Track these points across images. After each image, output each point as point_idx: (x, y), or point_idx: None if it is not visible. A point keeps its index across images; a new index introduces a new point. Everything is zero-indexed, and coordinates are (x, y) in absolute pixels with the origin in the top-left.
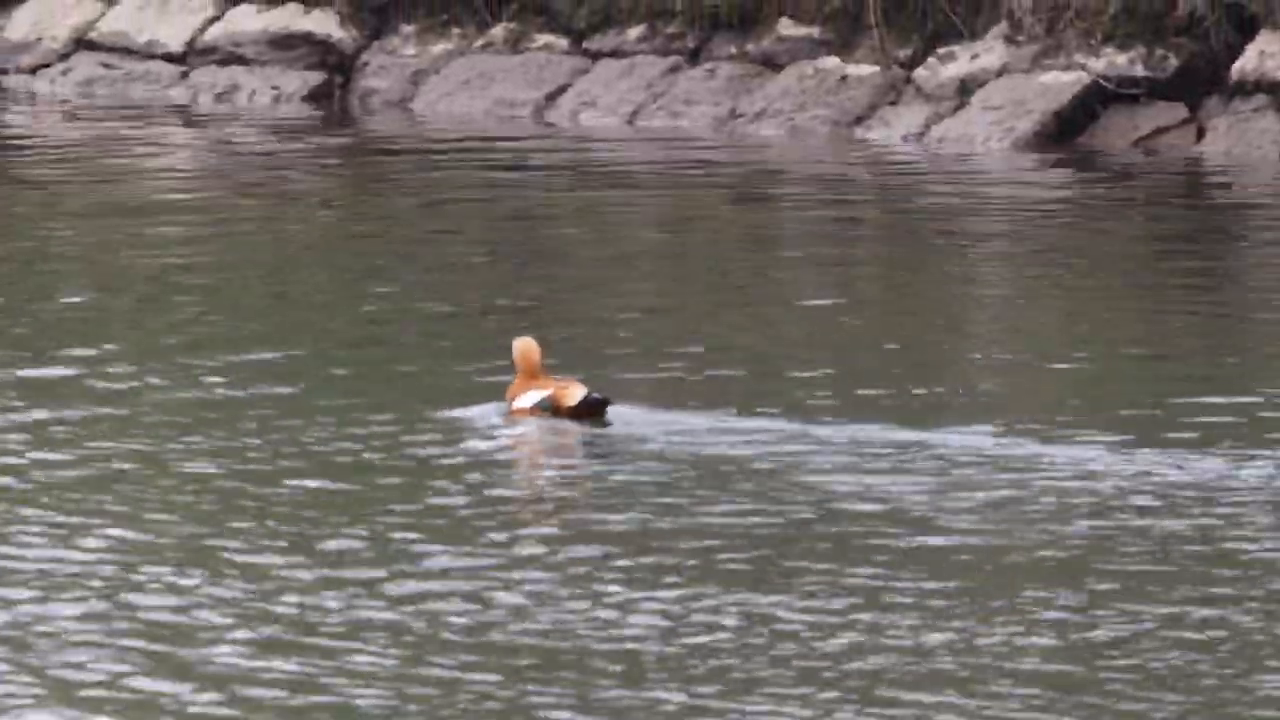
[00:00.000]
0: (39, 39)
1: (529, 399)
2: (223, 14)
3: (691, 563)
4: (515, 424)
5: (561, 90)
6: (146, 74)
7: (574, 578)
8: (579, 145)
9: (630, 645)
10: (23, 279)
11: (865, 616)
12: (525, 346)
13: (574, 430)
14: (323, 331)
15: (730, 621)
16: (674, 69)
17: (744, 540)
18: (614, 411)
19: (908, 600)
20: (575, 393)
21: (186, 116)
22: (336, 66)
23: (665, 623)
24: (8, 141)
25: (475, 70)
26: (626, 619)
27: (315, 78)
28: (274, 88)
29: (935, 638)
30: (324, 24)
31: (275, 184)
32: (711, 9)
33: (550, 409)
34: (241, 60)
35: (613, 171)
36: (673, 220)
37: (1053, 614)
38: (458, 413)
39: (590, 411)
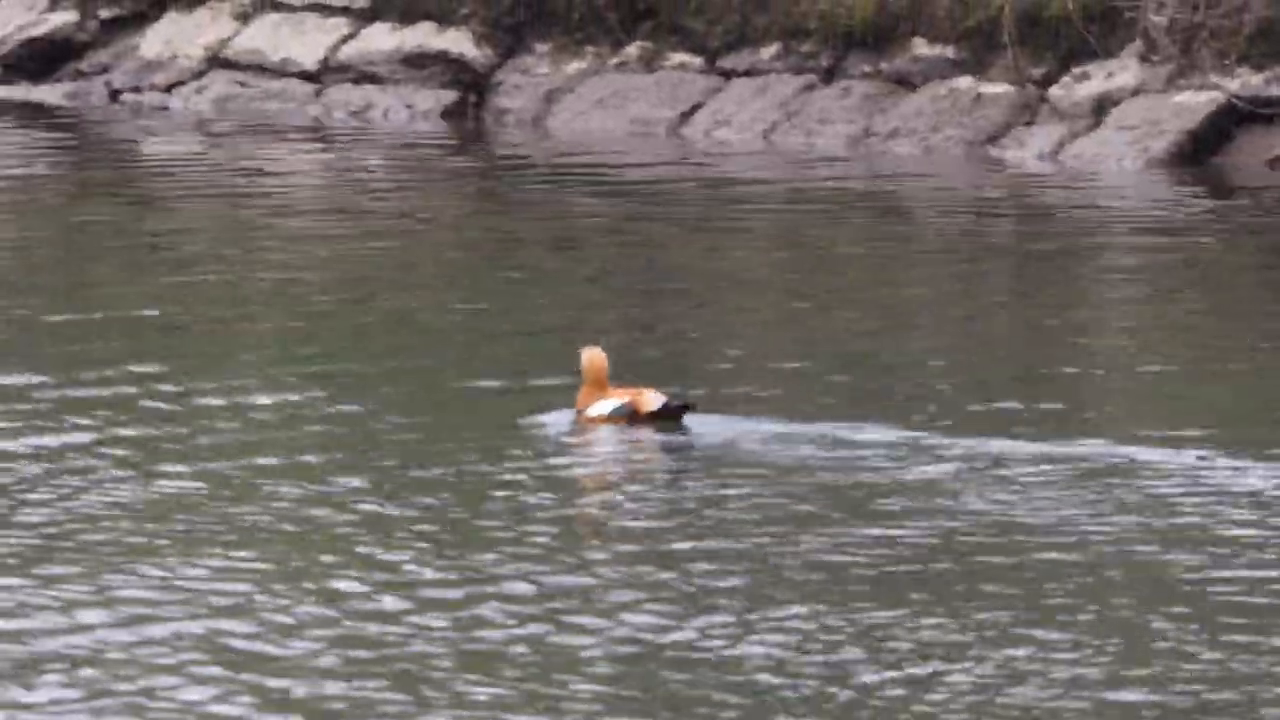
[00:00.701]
0: (173, 56)
1: (604, 406)
2: (357, 32)
3: (805, 583)
4: (592, 433)
5: (696, 109)
6: (281, 92)
7: (683, 601)
8: (711, 164)
9: (750, 675)
10: (150, 294)
11: (993, 641)
12: (594, 356)
13: (663, 442)
14: (430, 344)
15: (854, 650)
16: (808, 88)
17: (858, 559)
18: (728, 425)
19: (1035, 625)
20: (653, 398)
21: (320, 134)
22: (470, 85)
23: (785, 649)
24: (142, 159)
25: (609, 89)
26: (743, 646)
27: (449, 96)
28: (408, 106)
29: (1068, 661)
30: (458, 43)
31: (406, 202)
32: (846, 28)
33: (628, 415)
34: (375, 79)
35: (744, 189)
36: (800, 237)
37: (1190, 641)
38: (529, 422)
39: (670, 417)
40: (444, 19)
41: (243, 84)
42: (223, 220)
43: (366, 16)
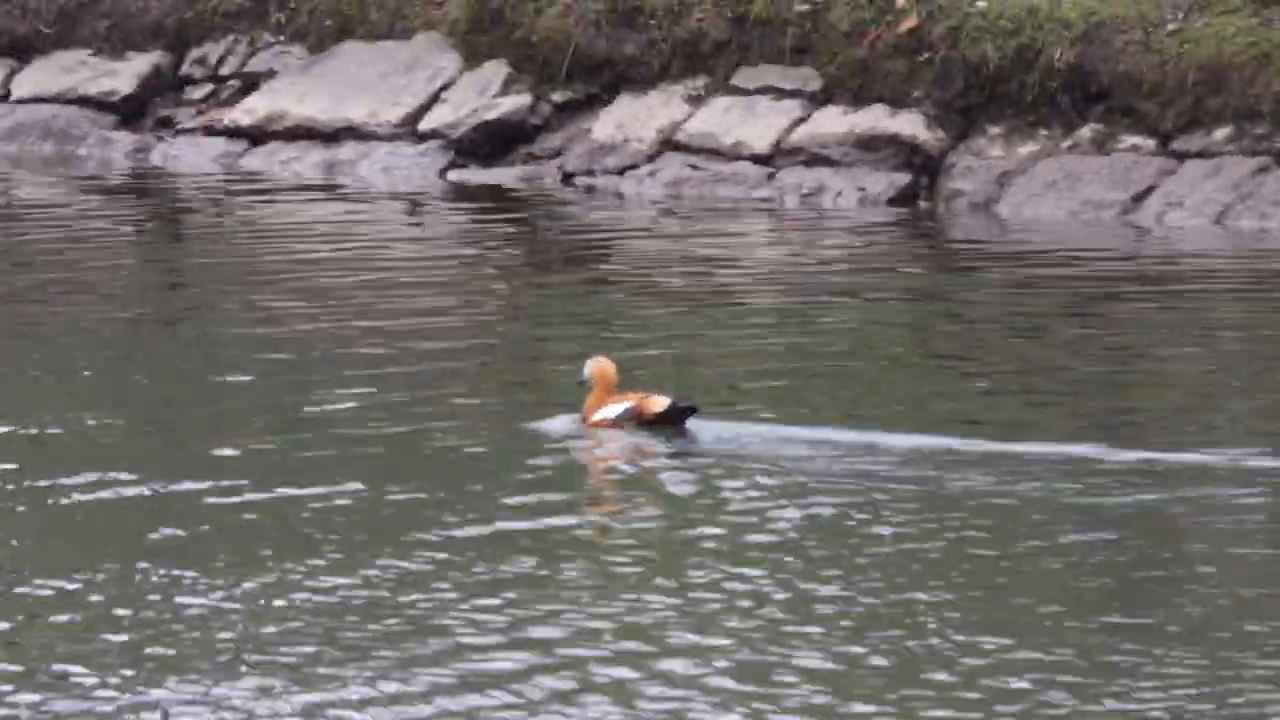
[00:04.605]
0: (625, 140)
1: (610, 411)
2: (809, 115)
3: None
4: (599, 436)
5: (1148, 191)
6: (733, 175)
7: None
8: (1164, 247)
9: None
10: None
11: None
12: (603, 364)
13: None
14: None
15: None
16: (1262, 169)
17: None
18: (732, 427)
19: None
20: (659, 400)
21: (773, 217)
22: (922, 167)
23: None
24: (597, 242)
25: (1062, 171)
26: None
27: (901, 179)
28: (859, 189)
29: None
30: (911, 125)
31: (860, 286)
32: None
33: (633, 419)
34: (827, 161)
35: (1197, 273)
36: (1257, 321)
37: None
38: (534, 428)
39: (676, 418)
40: (896, 102)
41: (695, 167)
42: (678, 302)
43: (819, 100)
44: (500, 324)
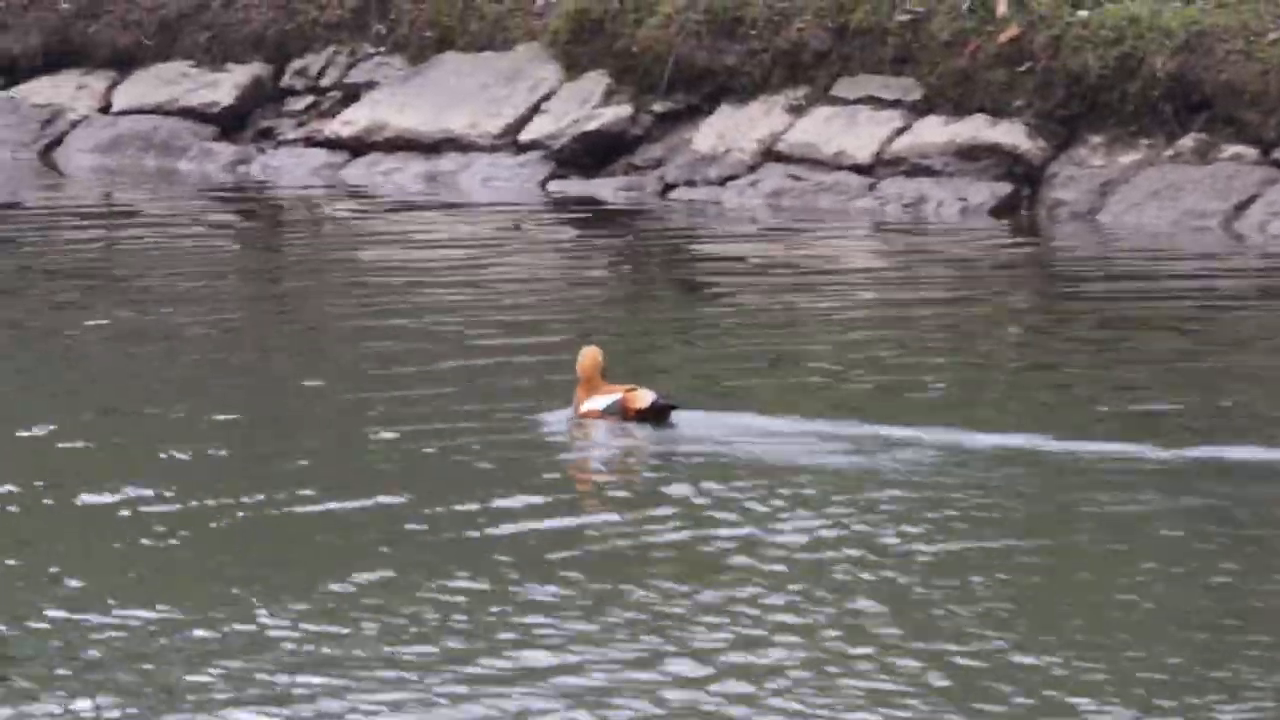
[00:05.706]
0: (726, 151)
1: (598, 403)
2: (910, 125)
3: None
4: (587, 428)
5: (1250, 201)
6: (834, 185)
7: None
8: (1266, 258)
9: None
10: (708, 389)
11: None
12: (587, 354)
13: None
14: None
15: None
16: None
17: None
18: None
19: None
20: (644, 395)
21: (874, 228)
22: (1024, 177)
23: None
24: (695, 252)
25: (1164, 181)
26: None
27: (1002, 189)
28: (961, 199)
29: None
30: (1012, 135)
31: (962, 297)
32: None
33: (618, 412)
34: (929, 171)
35: None
36: None
37: None
38: (531, 420)
39: (657, 415)
40: (997, 111)
41: (795, 177)
42: (773, 310)
43: (920, 109)
44: (594, 332)
